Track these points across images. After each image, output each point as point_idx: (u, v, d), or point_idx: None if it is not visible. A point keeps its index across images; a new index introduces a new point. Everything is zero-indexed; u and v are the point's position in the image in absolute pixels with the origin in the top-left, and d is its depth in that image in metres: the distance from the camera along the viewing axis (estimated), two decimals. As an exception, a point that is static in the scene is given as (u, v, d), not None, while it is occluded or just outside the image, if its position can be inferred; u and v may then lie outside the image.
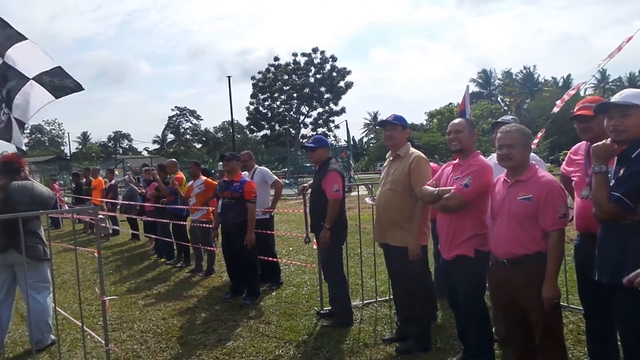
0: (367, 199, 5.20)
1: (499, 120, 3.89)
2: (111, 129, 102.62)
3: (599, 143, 2.45)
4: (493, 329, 3.43)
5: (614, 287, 2.34)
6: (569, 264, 4.56)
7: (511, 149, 2.80)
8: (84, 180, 12.25)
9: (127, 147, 75.66)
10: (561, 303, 4.24)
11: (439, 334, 4.06)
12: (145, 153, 67.09)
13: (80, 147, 72.62)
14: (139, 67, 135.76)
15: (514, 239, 2.78)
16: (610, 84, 60.97)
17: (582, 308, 4.13)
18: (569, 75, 64.79)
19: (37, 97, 4.64)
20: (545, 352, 2.83)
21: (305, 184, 5.04)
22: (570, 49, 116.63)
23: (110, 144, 73.66)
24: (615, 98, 2.44)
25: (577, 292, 3.53)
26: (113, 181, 11.55)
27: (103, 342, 3.71)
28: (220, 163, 6.83)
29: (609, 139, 2.40)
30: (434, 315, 4.30)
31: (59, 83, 4.71)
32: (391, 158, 3.91)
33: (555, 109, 6.23)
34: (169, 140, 72.04)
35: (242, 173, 5.72)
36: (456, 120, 3.42)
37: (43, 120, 74.67)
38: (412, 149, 3.82)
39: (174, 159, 8.37)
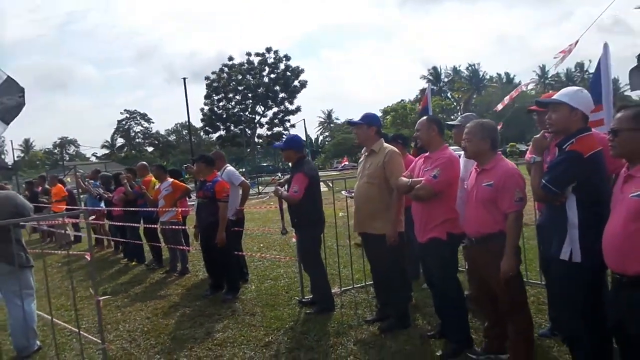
0: (343, 192, 5.49)
1: (450, 123, 4.30)
2: (56, 135, 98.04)
3: (537, 136, 2.88)
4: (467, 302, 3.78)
5: (550, 258, 2.73)
6: (527, 243, 5.05)
7: (467, 141, 3.19)
8: (40, 188, 11.86)
9: (73, 153, 72.54)
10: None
11: (416, 312, 4.41)
12: (93, 159, 64.55)
13: (22, 155, 68.98)
14: (83, 71, 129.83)
15: (480, 220, 3.14)
16: (549, 79, 64.48)
17: (539, 282, 4.65)
18: (508, 73, 68.24)
19: None
20: (512, 320, 3.20)
21: (281, 182, 5.21)
22: (509, 48, 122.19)
23: (56, 151, 70.32)
24: (554, 95, 2.84)
25: (537, 268, 3.97)
26: (66, 188, 11.27)
27: (97, 341, 3.80)
28: (185, 166, 6.97)
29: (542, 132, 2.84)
30: (409, 297, 4.63)
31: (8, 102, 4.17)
32: (366, 153, 4.21)
33: (500, 106, 6.76)
34: (118, 144, 69.67)
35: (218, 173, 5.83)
36: (419, 120, 3.78)
37: (-20, 127, 70.16)
38: (386, 145, 4.13)
39: (144, 162, 8.35)
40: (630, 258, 2.14)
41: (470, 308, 3.81)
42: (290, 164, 4.88)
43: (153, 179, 7.59)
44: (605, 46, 3.95)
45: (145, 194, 7.29)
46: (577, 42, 4.28)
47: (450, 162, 3.49)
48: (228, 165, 6.30)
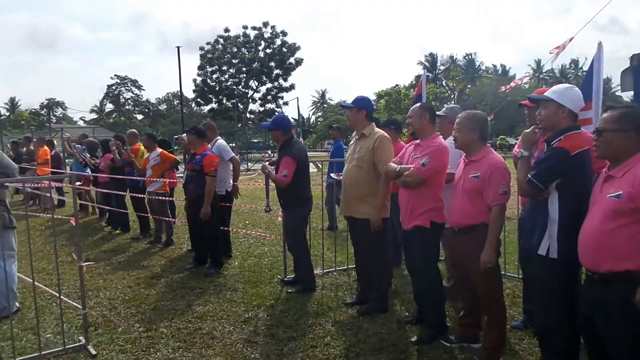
0: (332, 174, 5.51)
1: (438, 113, 4.33)
2: (43, 96, 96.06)
3: (527, 130, 2.93)
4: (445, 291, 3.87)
5: (528, 252, 2.81)
6: (507, 237, 5.15)
7: (457, 131, 3.24)
8: (24, 149, 11.68)
9: (61, 115, 71.25)
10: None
11: (395, 298, 4.50)
12: (81, 123, 63.55)
13: (8, 113, 67.55)
14: (73, 31, 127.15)
15: (463, 211, 3.20)
16: (544, 74, 64.64)
17: (516, 275, 4.76)
18: (504, 65, 68.29)
19: None
20: (487, 310, 3.30)
21: (267, 161, 5.18)
22: (506, 40, 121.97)
23: (42, 112, 69.00)
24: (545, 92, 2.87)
25: (515, 261, 4.05)
26: (54, 151, 11.10)
27: (77, 306, 3.82)
28: (176, 137, 6.91)
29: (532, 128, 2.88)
30: (389, 282, 4.72)
31: None
32: (357, 137, 4.22)
33: (503, 88, 6.71)
34: (107, 110, 68.59)
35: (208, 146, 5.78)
36: (412, 107, 3.79)
37: (-36, 83, 68.51)
38: (377, 129, 4.15)
39: (134, 130, 8.26)
40: (603, 256, 2.21)
41: (447, 297, 3.90)
42: (277, 144, 4.85)
43: (142, 147, 7.53)
44: (599, 45, 3.97)
45: (133, 162, 7.23)
46: (571, 39, 4.30)
47: (440, 151, 3.52)
48: (219, 137, 6.23)
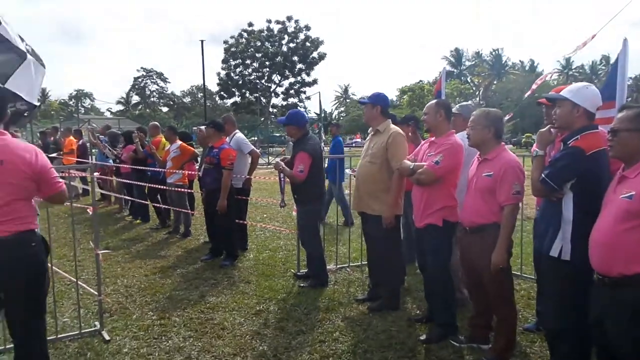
0: (347, 170, 5.51)
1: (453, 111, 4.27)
2: (72, 87, 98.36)
3: (542, 129, 2.87)
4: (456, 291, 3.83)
5: (540, 253, 2.75)
6: (525, 238, 5.06)
7: (471, 129, 3.19)
8: (52, 139, 12.00)
9: (89, 106, 72.89)
10: (516, 272, 4.75)
11: (406, 296, 4.48)
12: (108, 114, 64.84)
13: (39, 103, 69.34)
14: (102, 24, 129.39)
15: (476, 210, 3.15)
16: (573, 70, 63.02)
17: (532, 277, 4.67)
18: (533, 61, 66.67)
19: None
20: (497, 311, 3.26)
21: (280, 159, 5.19)
22: (535, 35, 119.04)
23: (71, 103, 70.67)
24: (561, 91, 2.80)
25: (532, 262, 3.97)
26: (81, 141, 11.37)
27: (94, 293, 3.92)
28: (195, 128, 6.98)
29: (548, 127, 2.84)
30: (402, 280, 4.69)
31: None
32: (372, 133, 4.21)
33: (529, 92, 6.60)
34: (133, 102, 69.80)
35: (226, 139, 5.84)
36: (428, 104, 3.75)
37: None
38: (392, 126, 4.12)
39: (156, 122, 8.41)
40: (614, 259, 2.15)
41: (459, 297, 3.86)
42: (292, 139, 4.86)
43: (163, 139, 7.65)
44: (625, 42, 3.84)
45: (154, 154, 7.36)
46: (594, 36, 4.18)
47: (454, 149, 3.48)
48: (237, 131, 6.28)
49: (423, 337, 3.55)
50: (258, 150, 7.17)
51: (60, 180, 2.64)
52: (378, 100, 4.13)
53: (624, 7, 4.20)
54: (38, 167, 2.49)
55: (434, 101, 3.77)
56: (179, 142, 7.15)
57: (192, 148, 7.45)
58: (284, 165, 4.72)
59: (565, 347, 2.69)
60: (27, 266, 2.50)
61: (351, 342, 3.51)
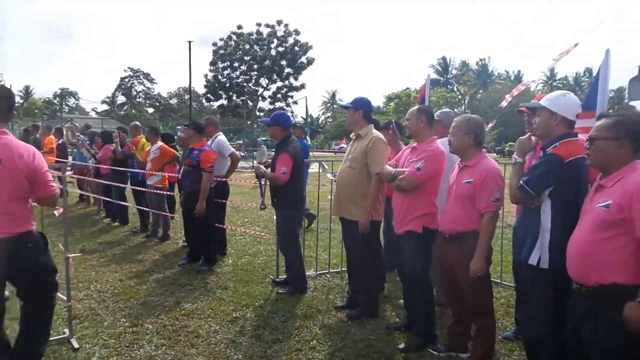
0: (328, 175, 5.45)
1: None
2: (57, 85, 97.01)
3: (522, 137, 2.86)
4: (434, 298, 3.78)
5: (518, 261, 2.73)
6: (505, 245, 5.04)
7: (452, 135, 3.17)
8: (32, 137, 11.73)
9: (73, 105, 71.85)
10: (495, 280, 4.73)
11: (386, 303, 4.42)
12: (93, 114, 63.98)
13: (22, 102, 68.17)
14: (88, 22, 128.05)
15: (455, 217, 3.12)
16: (557, 81, 64.07)
17: (512, 285, 4.65)
18: (519, 71, 67.62)
19: None
20: (476, 320, 3.22)
21: (261, 163, 5.12)
22: (521, 46, 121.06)
23: (55, 101, 69.60)
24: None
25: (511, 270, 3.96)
26: (61, 140, 11.14)
27: (63, 298, 3.78)
28: (179, 127, 6.84)
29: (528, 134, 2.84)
30: (382, 287, 4.64)
31: None
32: (354, 137, 4.16)
33: (504, 103, 6.68)
34: (119, 102, 69.03)
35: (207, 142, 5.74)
36: (410, 110, 3.71)
37: (-22, 71, 69.13)
38: (374, 131, 4.06)
39: (137, 122, 8.28)
40: (591, 268, 2.13)
41: (438, 304, 3.81)
42: (275, 141, 4.78)
43: (143, 139, 7.52)
44: (607, 52, 3.86)
45: (134, 155, 7.22)
46: (576, 44, 4.19)
47: (436, 156, 3.44)
48: (220, 133, 6.18)
49: (401, 346, 3.49)
50: (245, 154, 7.06)
51: (54, 184, 2.70)
52: (360, 105, 4.09)
53: (599, 24, 4.23)
54: (33, 167, 2.52)
55: (416, 107, 3.73)
56: (160, 143, 7.02)
57: (172, 149, 7.32)
58: (264, 169, 4.64)
59: (543, 355, 2.66)
60: (24, 267, 2.63)
61: (328, 351, 3.43)
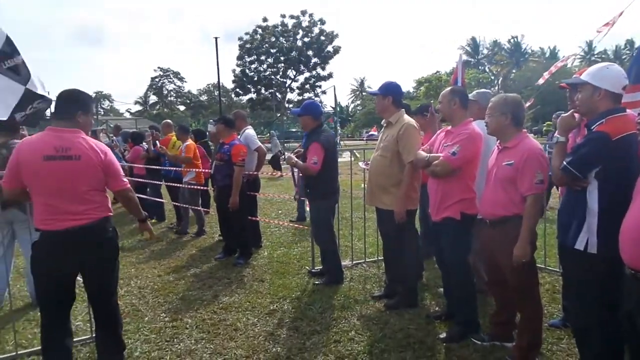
0: (360, 163, 5.36)
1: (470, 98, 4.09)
2: (91, 89, 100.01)
3: (564, 115, 2.66)
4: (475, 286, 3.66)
5: (564, 247, 2.57)
6: (548, 228, 4.84)
7: (489, 116, 3.02)
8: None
9: (108, 108, 74.00)
10: (539, 265, 4.54)
11: (425, 292, 4.32)
12: (127, 114, 65.70)
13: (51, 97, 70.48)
14: (118, 26, 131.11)
15: (496, 201, 2.98)
16: (595, 56, 61.26)
17: (557, 270, 4.46)
18: (554, 47, 65.02)
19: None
20: (521, 307, 3.08)
21: (293, 154, 5.08)
22: (556, 20, 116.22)
23: (91, 105, 71.73)
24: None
25: (557, 254, 3.79)
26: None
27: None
28: (211, 121, 6.85)
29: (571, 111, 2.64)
30: (420, 275, 4.54)
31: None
32: (385, 125, 4.05)
33: (541, 81, 6.39)
34: (151, 102, 70.56)
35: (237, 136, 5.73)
36: (442, 92, 3.57)
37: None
38: (405, 117, 3.94)
39: (169, 121, 8.39)
40: None
41: (481, 292, 3.69)
42: (306, 131, 4.71)
43: (173, 137, 7.60)
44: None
45: (165, 153, 7.31)
46: (621, 13, 3.92)
47: (472, 139, 3.30)
48: (249, 127, 6.18)
49: (443, 336, 3.40)
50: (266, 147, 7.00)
51: (125, 179, 2.95)
52: (389, 91, 3.96)
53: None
54: (106, 162, 2.77)
55: (448, 89, 3.58)
56: (189, 142, 7.07)
57: (195, 146, 7.23)
58: (296, 159, 4.59)
59: (595, 344, 2.51)
60: (107, 248, 2.89)
61: (367, 342, 3.38)
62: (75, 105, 2.81)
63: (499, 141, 3.08)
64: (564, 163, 2.43)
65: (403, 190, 3.74)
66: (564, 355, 3.12)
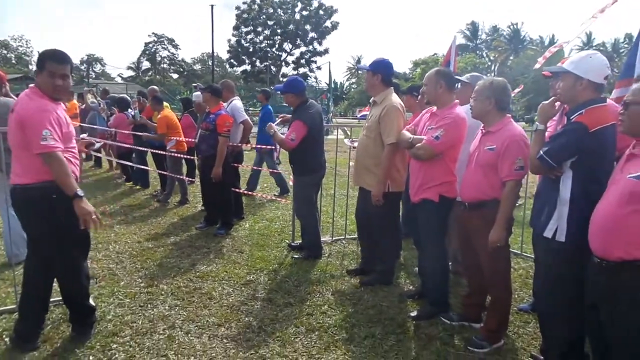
0: (346, 140, 5.34)
1: (458, 78, 4.07)
2: (83, 51, 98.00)
3: (544, 103, 2.65)
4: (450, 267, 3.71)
5: (535, 233, 2.62)
6: (527, 216, 4.89)
7: (474, 100, 3.00)
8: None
9: (99, 71, 72.56)
10: (516, 251, 4.61)
11: (401, 270, 4.38)
12: (119, 79, 64.64)
13: (50, 67, 68.86)
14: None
15: (475, 185, 2.99)
16: (594, 47, 61.05)
17: (532, 256, 4.53)
18: (553, 35, 64.58)
19: None
20: (492, 290, 3.14)
21: (279, 118, 5.06)
22: (556, 9, 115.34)
23: (82, 67, 70.35)
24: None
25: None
26: (84, 106, 11.25)
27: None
28: (194, 85, 6.73)
29: (551, 100, 2.63)
30: (398, 254, 4.58)
31: None
32: (372, 104, 4.01)
33: (537, 65, 6.35)
34: (144, 68, 69.34)
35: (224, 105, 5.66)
36: (427, 74, 3.51)
37: (9, 36, 70.27)
38: (391, 97, 3.85)
39: (155, 87, 8.26)
40: (615, 243, 2.00)
41: (455, 273, 3.74)
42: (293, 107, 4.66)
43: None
44: (648, 13, 3.57)
45: (146, 124, 7.24)
46: (615, 0, 3.88)
47: (455, 123, 3.28)
48: (236, 98, 6.10)
49: (413, 314, 3.45)
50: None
51: (49, 142, 2.58)
52: (378, 68, 3.90)
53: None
54: (19, 119, 2.60)
55: (433, 70, 3.50)
56: (161, 114, 6.93)
57: (169, 119, 7.04)
58: (275, 130, 4.56)
59: (557, 329, 2.58)
60: (29, 218, 2.80)
61: (339, 316, 3.42)
62: (38, 64, 2.78)
63: (482, 125, 3.08)
64: (541, 152, 2.43)
65: (382, 172, 3.73)
66: (528, 339, 3.19)
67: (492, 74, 53.01)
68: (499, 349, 3.01)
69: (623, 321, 2.03)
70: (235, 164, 5.84)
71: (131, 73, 68.07)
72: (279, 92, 4.82)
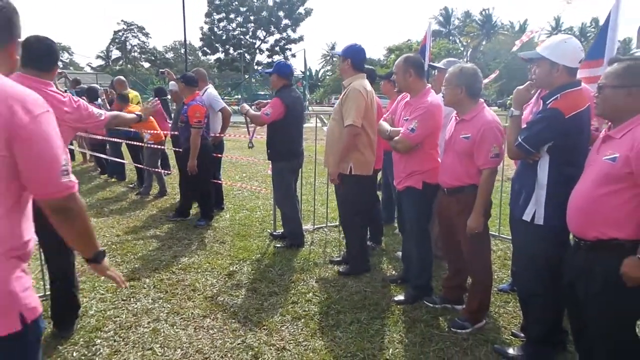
0: (324, 128, 5.33)
1: (433, 65, 4.09)
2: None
3: (519, 87, 2.69)
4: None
5: (513, 216, 2.69)
6: (504, 199, 5.01)
7: (444, 88, 3.02)
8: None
9: (67, 61, 70.24)
10: (493, 233, 4.72)
11: (383, 256, 4.43)
12: (88, 69, 62.76)
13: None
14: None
15: (452, 171, 3.04)
16: (562, 32, 62.30)
17: (510, 238, 4.65)
18: (525, 20, 65.68)
19: None
20: (472, 272, 3.21)
21: (254, 104, 5.01)
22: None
23: (48, 57, 67.88)
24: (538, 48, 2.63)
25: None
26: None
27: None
28: (172, 82, 6.53)
29: (527, 84, 2.64)
30: (379, 240, 4.64)
31: None
32: (342, 88, 4.02)
33: (515, 48, 6.41)
34: (114, 57, 67.43)
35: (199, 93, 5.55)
36: (396, 61, 3.51)
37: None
38: (358, 82, 3.79)
39: (122, 77, 8.05)
40: (591, 222, 2.07)
41: (435, 257, 3.80)
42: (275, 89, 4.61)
43: (131, 94, 7.33)
44: (618, -3, 3.65)
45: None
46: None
47: (429, 112, 3.27)
48: (209, 86, 5.98)
49: (397, 298, 3.51)
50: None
51: None
52: (348, 53, 3.85)
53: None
54: None
55: (401, 58, 3.47)
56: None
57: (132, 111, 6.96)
58: (248, 107, 4.53)
59: (537, 309, 2.66)
60: None
61: (324, 303, 3.45)
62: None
63: (456, 112, 3.11)
64: (519, 139, 2.48)
65: (336, 151, 3.75)
66: (509, 318, 3.28)
67: (465, 60, 53.64)
68: (480, 329, 3.09)
69: (597, 299, 2.11)
70: (217, 155, 5.77)
71: (101, 62, 66.15)
72: (265, 73, 4.79)
